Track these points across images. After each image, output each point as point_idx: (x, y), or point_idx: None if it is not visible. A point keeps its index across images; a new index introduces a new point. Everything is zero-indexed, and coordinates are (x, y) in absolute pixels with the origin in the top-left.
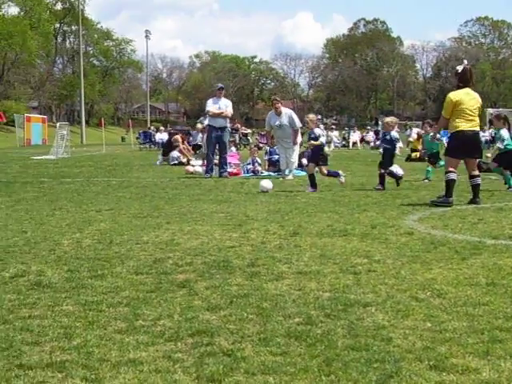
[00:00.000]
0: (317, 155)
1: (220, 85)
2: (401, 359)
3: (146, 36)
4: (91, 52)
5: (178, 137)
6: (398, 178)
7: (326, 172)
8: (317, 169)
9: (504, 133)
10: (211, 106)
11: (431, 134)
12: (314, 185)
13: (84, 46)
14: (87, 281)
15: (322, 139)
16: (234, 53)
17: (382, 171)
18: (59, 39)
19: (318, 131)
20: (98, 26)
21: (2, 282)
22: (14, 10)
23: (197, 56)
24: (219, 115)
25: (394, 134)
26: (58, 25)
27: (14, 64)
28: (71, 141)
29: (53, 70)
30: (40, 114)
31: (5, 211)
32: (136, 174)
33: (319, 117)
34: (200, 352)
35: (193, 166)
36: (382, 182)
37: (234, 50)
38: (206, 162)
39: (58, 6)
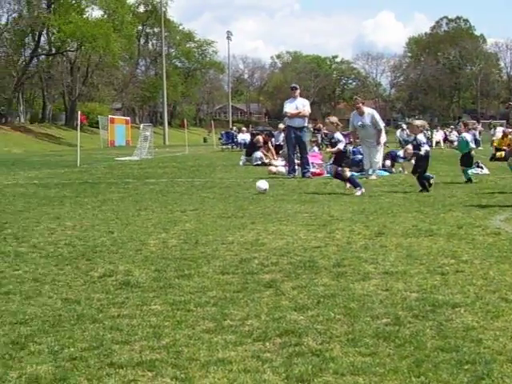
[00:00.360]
0: (340, 160)
1: (293, 84)
2: (492, 361)
3: (228, 37)
4: (173, 54)
5: (260, 138)
6: (427, 184)
7: (348, 175)
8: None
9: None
10: (288, 106)
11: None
12: (357, 184)
13: (166, 47)
14: (174, 280)
15: (341, 145)
16: (315, 53)
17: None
18: (142, 41)
19: (338, 136)
20: (180, 27)
21: (90, 282)
22: (97, 13)
23: (278, 56)
24: (297, 115)
25: (420, 137)
26: (140, 27)
27: (98, 66)
28: (154, 142)
29: (136, 71)
30: (123, 115)
31: (91, 211)
32: (219, 174)
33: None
34: (288, 352)
35: (275, 166)
36: (423, 185)
37: (315, 49)
38: (287, 162)
39: (141, 9)
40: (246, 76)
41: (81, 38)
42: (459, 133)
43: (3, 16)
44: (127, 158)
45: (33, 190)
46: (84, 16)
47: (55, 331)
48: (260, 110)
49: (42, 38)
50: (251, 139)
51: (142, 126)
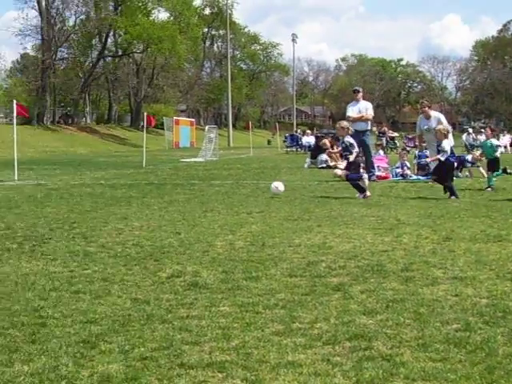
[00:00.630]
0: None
1: (355, 87)
2: None
3: (293, 39)
4: (238, 56)
5: (327, 141)
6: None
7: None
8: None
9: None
10: (350, 110)
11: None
12: (361, 190)
13: (231, 49)
14: (242, 282)
15: (355, 151)
16: (380, 56)
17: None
18: (207, 43)
19: (349, 139)
20: (246, 29)
21: (159, 282)
22: (164, 15)
23: (343, 59)
24: (359, 119)
25: (445, 143)
26: (206, 29)
27: (164, 68)
28: (219, 144)
29: (201, 73)
30: (188, 117)
31: (158, 212)
32: (284, 176)
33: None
34: (358, 356)
35: (341, 169)
36: (452, 193)
37: (381, 52)
38: None
39: (207, 11)
40: (310, 78)
41: (147, 40)
42: (487, 138)
43: (71, 18)
44: (192, 160)
45: (100, 190)
46: (150, 18)
47: (125, 331)
48: (324, 113)
49: (109, 40)
50: (316, 142)
51: (207, 127)
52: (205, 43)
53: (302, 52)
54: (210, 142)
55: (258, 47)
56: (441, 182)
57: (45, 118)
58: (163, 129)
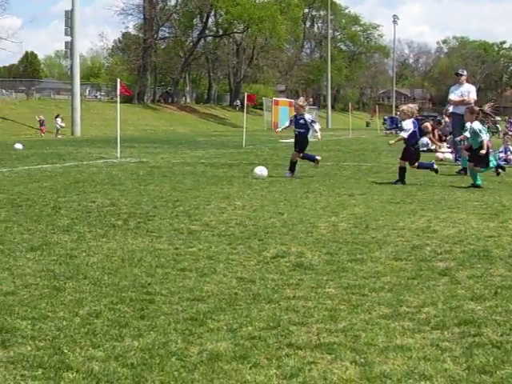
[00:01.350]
0: (302, 143)
1: (458, 70)
2: None
3: (394, 21)
4: (339, 37)
5: (428, 125)
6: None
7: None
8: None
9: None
10: (452, 93)
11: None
12: (292, 169)
13: (332, 30)
14: (347, 264)
15: (316, 126)
16: (482, 38)
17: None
18: (307, 24)
19: (308, 116)
20: (346, 11)
21: (263, 262)
22: None
23: (444, 41)
24: (460, 103)
25: (405, 123)
26: (306, 10)
27: (264, 48)
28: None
29: (300, 54)
30: (287, 97)
31: (260, 192)
32: (385, 159)
33: None
34: (468, 342)
35: (442, 152)
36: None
37: (483, 35)
38: (454, 149)
39: None
40: (410, 61)
41: (248, 20)
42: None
43: None
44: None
45: (201, 169)
46: None
47: (232, 309)
48: (424, 96)
49: (210, 20)
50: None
51: (307, 108)
52: (305, 24)
53: (403, 34)
54: None
55: (359, 28)
56: None
57: (145, 97)
58: (262, 109)
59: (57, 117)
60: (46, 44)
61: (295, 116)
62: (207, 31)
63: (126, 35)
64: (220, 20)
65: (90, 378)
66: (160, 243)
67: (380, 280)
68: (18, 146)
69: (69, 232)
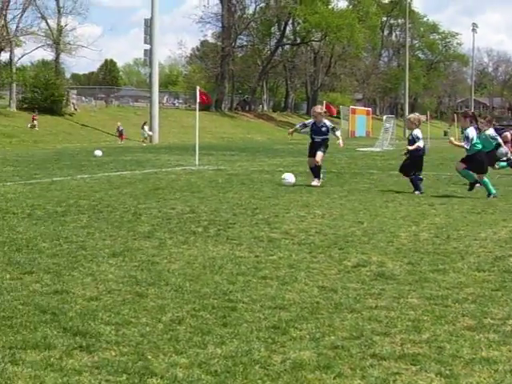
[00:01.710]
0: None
1: None
2: None
3: (473, 29)
4: (417, 45)
5: (508, 134)
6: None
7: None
8: None
9: (470, 132)
10: None
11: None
12: (317, 175)
13: (410, 39)
14: (429, 275)
15: (338, 133)
16: None
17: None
18: (385, 32)
19: (328, 123)
20: (425, 19)
21: (344, 271)
22: (343, 4)
23: None
24: None
25: (417, 132)
26: (384, 18)
27: (341, 57)
28: (395, 134)
29: (378, 62)
30: (364, 106)
31: (338, 201)
32: None
33: None
34: None
35: None
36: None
37: None
38: None
39: (386, 0)
40: (490, 69)
41: (325, 29)
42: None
43: (251, 6)
44: (369, 149)
45: (279, 177)
46: (329, 6)
47: (314, 318)
48: (503, 105)
49: (288, 28)
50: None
51: (384, 117)
52: (383, 32)
53: (482, 42)
54: (386, 132)
55: (437, 37)
56: None
57: (223, 105)
58: (339, 117)
59: (144, 124)
60: (125, 52)
61: (314, 123)
62: (285, 39)
63: (204, 43)
64: (298, 28)
65: None
66: (240, 251)
67: (463, 291)
68: (98, 152)
69: (150, 238)
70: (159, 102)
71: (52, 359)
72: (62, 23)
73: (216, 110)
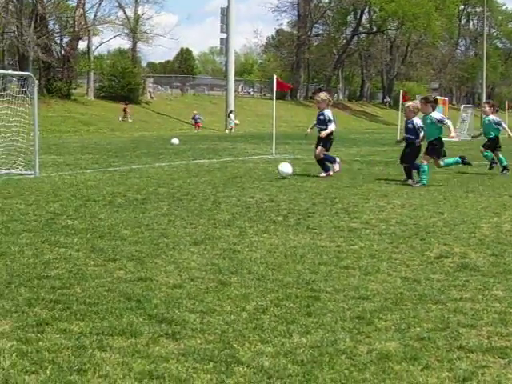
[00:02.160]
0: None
1: None
2: None
3: None
4: (494, 34)
5: None
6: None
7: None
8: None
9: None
10: None
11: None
12: (326, 169)
13: (488, 28)
14: None
15: (332, 126)
16: None
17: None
18: (463, 21)
19: (327, 113)
20: (503, 7)
21: (427, 262)
22: None
23: None
24: None
25: (417, 121)
26: (462, 6)
27: (418, 45)
28: (472, 123)
29: (455, 51)
30: (440, 95)
31: (418, 191)
32: None
33: None
34: None
35: None
36: (409, 176)
37: None
38: None
39: None
40: None
41: (402, 17)
42: (486, 114)
43: None
44: (445, 139)
45: (356, 167)
46: None
47: (398, 309)
48: None
49: (364, 17)
50: None
51: (462, 107)
52: (460, 21)
53: None
54: (463, 122)
55: None
56: None
57: (298, 94)
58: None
59: (230, 113)
60: (201, 41)
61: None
62: (361, 28)
63: (279, 32)
64: (374, 17)
65: (261, 373)
66: (321, 240)
67: None
68: (175, 140)
69: (230, 227)
70: (234, 91)
71: (139, 346)
72: (139, 12)
73: (291, 98)
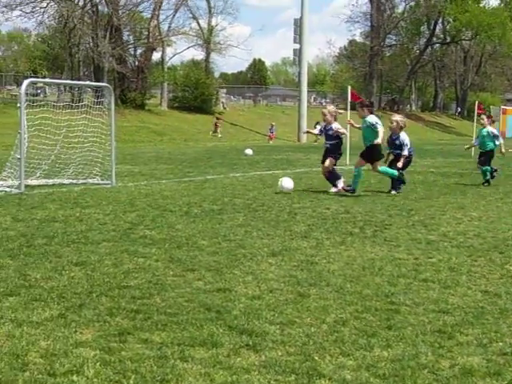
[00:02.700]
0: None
1: None
2: None
3: None
4: None
5: None
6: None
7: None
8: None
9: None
10: None
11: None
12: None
13: None
14: None
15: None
16: None
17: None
18: None
19: (335, 126)
20: None
21: (508, 276)
22: (494, 2)
23: None
24: None
25: (404, 136)
26: None
27: (492, 56)
28: None
29: None
30: None
31: (494, 203)
32: None
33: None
34: None
35: None
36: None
37: None
38: None
39: None
40: None
41: (476, 27)
42: (483, 126)
43: (400, 5)
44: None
45: (432, 178)
46: (480, 5)
47: (480, 323)
48: None
49: (437, 27)
50: None
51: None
52: None
53: None
54: None
55: None
56: None
57: None
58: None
59: (317, 124)
60: (273, 51)
61: (325, 127)
62: (434, 38)
63: (352, 42)
64: (448, 27)
65: None
66: (399, 252)
67: None
68: (248, 151)
69: (307, 238)
70: (307, 102)
71: (220, 357)
72: (213, 23)
73: None
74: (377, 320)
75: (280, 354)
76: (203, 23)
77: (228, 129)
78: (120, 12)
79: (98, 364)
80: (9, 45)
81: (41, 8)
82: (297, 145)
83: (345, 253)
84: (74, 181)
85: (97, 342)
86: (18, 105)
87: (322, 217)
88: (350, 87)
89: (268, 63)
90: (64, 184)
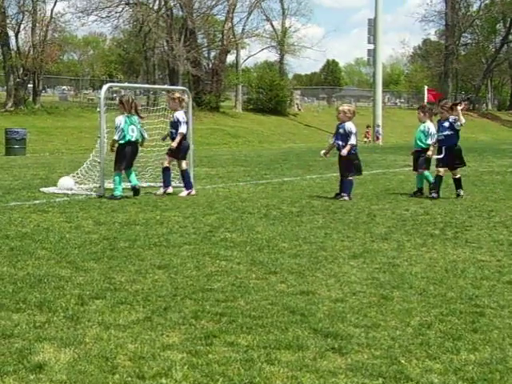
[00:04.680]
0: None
1: None
2: None
3: None
4: None
5: None
6: None
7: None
8: None
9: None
10: None
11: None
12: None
13: None
14: None
15: (353, 139)
16: None
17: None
18: None
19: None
20: None
21: None
22: None
23: None
24: None
25: (349, 125)
26: None
27: None
28: None
29: None
30: None
31: None
32: None
33: None
34: None
35: None
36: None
37: None
38: None
39: None
40: None
41: None
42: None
43: (475, 3)
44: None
45: (511, 179)
46: None
47: None
48: None
49: None
50: None
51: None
52: None
53: None
54: None
55: None
56: None
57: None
58: None
59: (378, 126)
60: (347, 52)
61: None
62: (511, 37)
63: (426, 42)
64: None
65: None
66: (481, 254)
67: None
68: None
69: (387, 240)
70: (381, 102)
71: (306, 360)
72: (287, 25)
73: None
74: (462, 323)
75: (366, 357)
76: (277, 25)
77: (302, 130)
78: (194, 15)
79: (185, 367)
80: (84, 49)
81: (116, 13)
82: (372, 146)
83: (426, 255)
84: (152, 184)
85: (183, 344)
86: (98, 109)
87: (401, 218)
88: (426, 87)
89: (341, 64)
90: (142, 187)
